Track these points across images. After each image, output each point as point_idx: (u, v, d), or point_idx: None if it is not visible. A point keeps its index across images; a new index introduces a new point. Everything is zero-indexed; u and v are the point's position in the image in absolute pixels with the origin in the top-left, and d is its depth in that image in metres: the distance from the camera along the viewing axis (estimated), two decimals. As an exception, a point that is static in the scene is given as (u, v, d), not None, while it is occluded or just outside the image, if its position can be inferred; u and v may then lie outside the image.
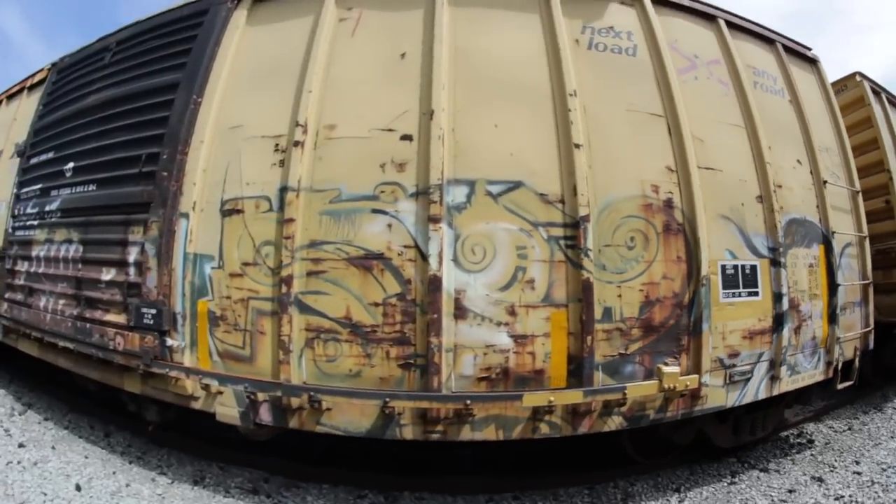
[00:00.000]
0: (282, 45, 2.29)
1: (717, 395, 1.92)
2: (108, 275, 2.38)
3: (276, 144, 2.09)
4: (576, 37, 2.06)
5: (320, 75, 2.09)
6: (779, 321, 2.03)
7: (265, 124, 2.15)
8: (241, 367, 2.01)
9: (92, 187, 2.66)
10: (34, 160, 3.39)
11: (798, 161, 2.37)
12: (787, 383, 2.09)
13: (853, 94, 3.66)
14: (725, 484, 2.15)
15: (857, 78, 3.62)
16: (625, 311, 1.84)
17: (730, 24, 2.41)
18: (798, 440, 2.82)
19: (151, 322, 2.11)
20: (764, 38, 2.62)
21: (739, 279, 1.95)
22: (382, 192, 1.92)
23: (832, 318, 2.34)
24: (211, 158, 2.19)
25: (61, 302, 2.70)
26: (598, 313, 1.80)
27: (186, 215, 2.14)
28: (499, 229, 1.87)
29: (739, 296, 1.94)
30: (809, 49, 2.93)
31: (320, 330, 1.89)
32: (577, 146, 1.88)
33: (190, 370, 2.04)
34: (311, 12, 2.28)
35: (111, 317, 2.34)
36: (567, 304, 1.83)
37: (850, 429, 2.98)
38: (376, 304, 1.85)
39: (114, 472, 2.46)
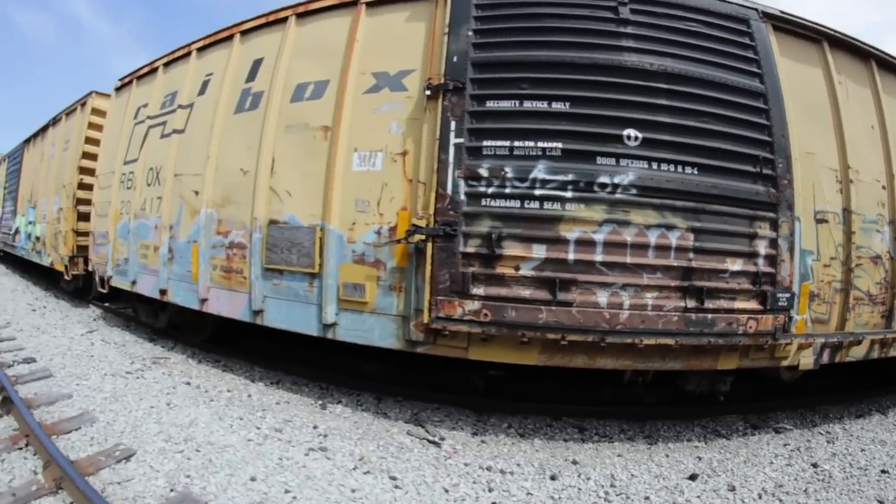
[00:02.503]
0: (807, 86, 4.24)
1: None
2: (734, 265, 3.61)
3: (836, 175, 4.21)
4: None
5: (849, 130, 4.31)
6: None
7: (828, 158, 4.19)
8: (821, 327, 4.12)
9: (689, 170, 3.56)
10: (501, 105, 3.51)
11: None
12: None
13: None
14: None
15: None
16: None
17: None
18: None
19: (785, 304, 3.76)
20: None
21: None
22: (878, 219, 4.52)
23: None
24: (799, 173, 3.93)
25: (650, 295, 3.49)
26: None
27: (798, 219, 3.89)
28: (898, 243, 4.95)
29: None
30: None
31: (857, 298, 4.33)
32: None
33: (812, 335, 3.91)
34: (817, 64, 4.38)
35: (739, 304, 3.65)
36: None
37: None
38: (878, 283, 4.49)
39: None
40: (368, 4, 4.16)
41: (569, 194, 3.39)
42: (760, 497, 3.23)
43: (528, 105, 3.51)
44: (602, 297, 3.41)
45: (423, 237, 3.54)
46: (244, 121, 4.52)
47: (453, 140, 3.50)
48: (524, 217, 3.41)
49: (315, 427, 3.77)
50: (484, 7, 3.80)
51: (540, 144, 3.43)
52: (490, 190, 3.43)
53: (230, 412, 3.91)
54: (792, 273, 3.85)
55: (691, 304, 3.58)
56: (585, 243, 3.42)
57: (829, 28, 4.38)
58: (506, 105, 3.53)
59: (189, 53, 5.25)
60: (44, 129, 10.41)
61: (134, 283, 5.37)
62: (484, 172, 3.44)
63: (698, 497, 3.21)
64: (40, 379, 4.33)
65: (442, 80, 3.63)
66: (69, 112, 9.04)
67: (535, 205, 3.40)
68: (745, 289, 3.72)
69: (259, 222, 4.22)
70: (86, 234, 7.51)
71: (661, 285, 3.53)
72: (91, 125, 7.98)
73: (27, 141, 11.62)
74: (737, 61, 3.88)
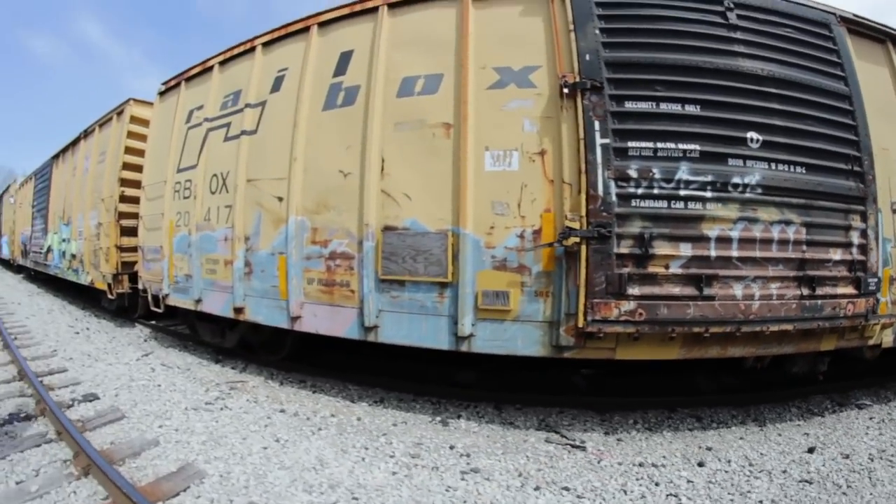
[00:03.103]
0: (877, 85, 5.02)
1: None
2: (835, 255, 4.26)
3: (904, 169, 5.02)
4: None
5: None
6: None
7: (896, 152, 4.96)
8: (896, 309, 4.93)
9: (799, 169, 4.14)
10: (640, 106, 3.91)
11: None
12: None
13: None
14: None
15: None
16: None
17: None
18: None
19: (873, 288, 4.51)
20: None
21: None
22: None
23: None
24: (878, 168, 4.68)
25: (774, 286, 4.13)
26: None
27: (880, 210, 4.60)
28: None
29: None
30: None
31: (917, 282, 5.21)
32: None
33: (894, 315, 4.69)
34: (884, 63, 5.21)
35: (840, 290, 4.29)
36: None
37: None
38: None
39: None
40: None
41: (708, 194, 3.91)
42: (872, 460, 3.96)
43: (664, 107, 3.97)
44: (738, 290, 3.98)
45: (577, 239, 3.82)
46: (338, 118, 4.61)
47: (599, 140, 3.83)
48: (671, 217, 3.86)
49: (452, 447, 3.88)
50: (606, 6, 4.20)
51: (680, 146, 3.91)
52: (639, 191, 3.82)
53: (350, 441, 3.89)
54: (878, 260, 4.62)
55: (805, 291, 4.26)
56: (724, 240, 3.97)
57: (891, 28, 5.20)
58: (644, 106, 3.95)
59: (252, 49, 5.23)
60: (74, 143, 10.31)
61: (199, 301, 5.27)
62: (633, 174, 3.82)
63: (823, 465, 3.88)
64: (112, 422, 4.02)
65: (578, 79, 3.97)
66: (103, 123, 8.92)
67: (681, 205, 3.87)
68: (844, 276, 4.46)
69: (371, 229, 4.32)
70: (130, 249, 7.43)
71: (782, 276, 4.19)
72: (130, 134, 7.90)
73: (55, 157, 11.70)
74: (826, 65, 4.59)
